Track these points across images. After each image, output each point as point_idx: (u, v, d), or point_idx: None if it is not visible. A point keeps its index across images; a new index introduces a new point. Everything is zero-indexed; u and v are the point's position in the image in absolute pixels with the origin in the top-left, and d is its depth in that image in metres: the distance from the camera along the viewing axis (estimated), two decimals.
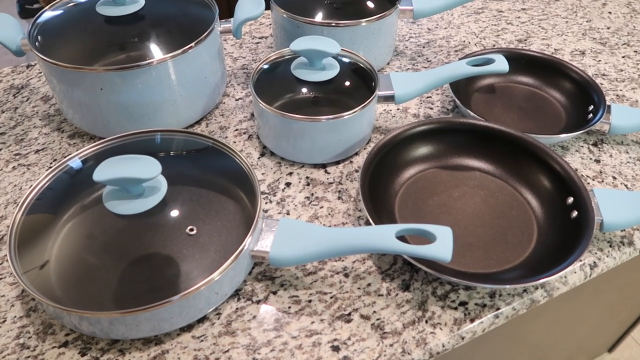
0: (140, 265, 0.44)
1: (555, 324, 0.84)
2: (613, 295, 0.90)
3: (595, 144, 0.64)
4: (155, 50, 0.58)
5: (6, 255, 0.50)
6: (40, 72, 0.74)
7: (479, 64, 0.61)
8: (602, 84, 0.74)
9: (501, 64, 0.60)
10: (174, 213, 0.46)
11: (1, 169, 0.60)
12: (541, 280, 0.45)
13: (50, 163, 0.60)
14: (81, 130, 0.64)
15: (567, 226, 0.51)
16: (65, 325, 0.44)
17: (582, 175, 0.60)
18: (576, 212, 0.51)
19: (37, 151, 0.62)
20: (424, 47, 0.81)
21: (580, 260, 0.51)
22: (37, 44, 0.59)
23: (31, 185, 0.57)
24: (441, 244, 0.42)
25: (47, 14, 0.63)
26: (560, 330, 0.90)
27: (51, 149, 0.62)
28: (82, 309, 0.41)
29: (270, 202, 0.56)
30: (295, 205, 0.56)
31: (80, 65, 0.56)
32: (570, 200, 0.53)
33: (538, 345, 0.89)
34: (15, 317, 0.46)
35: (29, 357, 0.43)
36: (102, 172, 0.44)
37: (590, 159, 0.62)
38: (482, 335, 0.48)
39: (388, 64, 0.77)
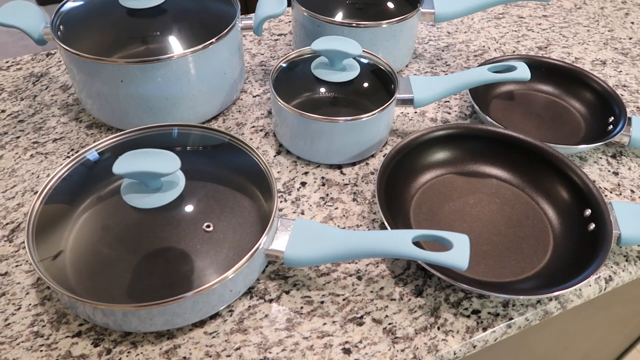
0: (155, 260, 0.44)
1: (563, 334, 0.83)
2: (622, 308, 0.89)
3: (614, 156, 0.63)
4: (176, 45, 0.58)
5: (24, 242, 0.50)
6: (60, 61, 0.75)
7: (500, 71, 0.61)
8: (622, 95, 0.73)
9: (523, 71, 0.60)
10: (191, 209, 0.47)
11: (19, 157, 0.60)
12: (556, 293, 0.45)
13: (68, 152, 0.61)
14: (99, 120, 0.65)
15: (584, 238, 0.51)
16: (79, 315, 0.45)
17: (599, 187, 0.60)
18: (593, 225, 0.51)
19: (55, 140, 0.62)
20: (443, 51, 0.80)
21: (596, 274, 0.51)
22: (59, 33, 0.59)
23: (48, 174, 0.58)
24: (458, 252, 0.42)
25: (70, 4, 0.63)
26: (568, 341, 0.89)
27: (69, 139, 0.63)
28: (96, 300, 0.41)
29: (285, 200, 0.56)
30: (310, 205, 0.56)
31: (102, 57, 0.56)
32: (588, 212, 0.52)
33: (545, 355, 0.89)
34: (30, 304, 0.46)
35: (42, 345, 0.43)
36: (122, 165, 0.44)
37: (609, 171, 0.62)
38: (484, 347, 0.47)
39: (407, 66, 0.76)
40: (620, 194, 0.59)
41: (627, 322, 1.03)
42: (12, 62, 0.74)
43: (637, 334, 1.18)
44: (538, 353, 0.86)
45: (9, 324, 0.45)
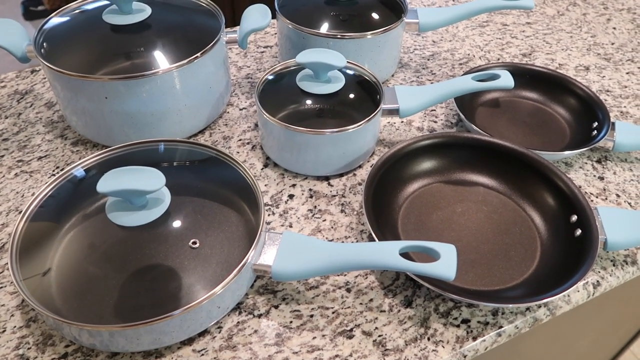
0: (142, 278, 0.43)
1: (556, 339, 0.83)
2: (614, 311, 0.90)
3: (599, 161, 0.64)
4: (161, 60, 0.58)
5: (7, 263, 0.50)
6: (45, 78, 0.74)
7: (485, 79, 0.61)
8: (606, 100, 0.74)
9: (506, 80, 0.60)
10: (177, 225, 0.46)
11: (3, 176, 0.60)
12: (544, 300, 0.45)
13: (53, 170, 0.60)
14: (84, 137, 0.64)
15: (571, 244, 0.51)
16: (65, 336, 0.44)
17: (585, 192, 0.60)
18: (580, 231, 0.51)
19: (39, 158, 0.62)
20: (428, 60, 0.81)
21: (584, 280, 0.51)
22: (42, 50, 0.59)
23: (33, 193, 0.57)
24: (445, 262, 0.42)
25: (53, 21, 0.63)
26: (561, 346, 0.90)
27: (54, 156, 0.62)
28: (83, 320, 0.40)
29: (273, 214, 0.56)
30: (298, 218, 0.56)
31: (86, 74, 0.56)
32: (574, 218, 0.52)
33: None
34: (15, 327, 0.45)
35: None
36: (106, 184, 0.44)
37: (594, 176, 0.62)
38: (475, 357, 0.47)
39: (392, 76, 0.77)
40: (606, 199, 0.59)
41: (620, 325, 1.04)
42: None
43: (630, 335, 1.19)
44: (531, 358, 0.86)
45: None
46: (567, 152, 0.60)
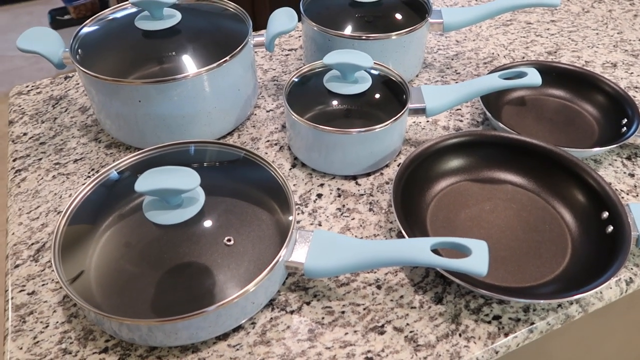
0: (178, 275, 0.45)
1: (582, 340, 0.82)
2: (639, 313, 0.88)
3: (629, 158, 0.63)
4: (191, 64, 0.60)
5: (49, 262, 0.52)
6: (78, 84, 0.77)
7: (511, 77, 0.61)
8: (634, 96, 0.73)
9: (534, 77, 0.60)
10: (212, 223, 0.47)
11: (42, 178, 0.62)
12: (577, 296, 0.45)
13: (89, 172, 0.62)
14: (118, 140, 0.66)
15: (602, 241, 0.51)
16: (105, 331, 0.46)
17: (616, 189, 0.60)
18: (612, 227, 0.51)
19: (75, 160, 0.64)
20: (452, 60, 0.81)
21: (616, 276, 0.50)
22: (77, 57, 0.61)
23: (71, 194, 0.59)
24: (477, 258, 0.42)
25: (88, 28, 0.65)
26: (588, 346, 0.88)
27: (89, 159, 0.64)
28: (122, 316, 0.42)
29: (302, 213, 0.57)
30: (327, 217, 0.56)
31: (119, 78, 0.58)
32: (605, 214, 0.52)
33: None
34: (57, 322, 0.47)
35: None
36: (144, 183, 0.45)
37: (624, 172, 0.61)
38: (507, 353, 0.47)
39: (417, 76, 0.77)
40: (637, 195, 0.59)
41: None
42: (32, 86, 0.77)
43: None
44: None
45: (37, 342, 0.46)
46: (596, 149, 0.60)
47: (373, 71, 0.63)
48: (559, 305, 0.48)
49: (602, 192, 0.53)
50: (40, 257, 0.53)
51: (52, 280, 0.51)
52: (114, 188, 0.53)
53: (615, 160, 0.63)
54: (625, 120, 0.65)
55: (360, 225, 0.55)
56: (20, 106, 0.73)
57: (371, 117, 0.59)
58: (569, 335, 0.75)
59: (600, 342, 0.91)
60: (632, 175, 0.61)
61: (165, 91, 0.58)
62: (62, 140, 0.67)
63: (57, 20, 2.48)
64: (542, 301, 0.47)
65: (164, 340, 0.44)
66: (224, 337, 0.46)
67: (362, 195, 0.59)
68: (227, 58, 0.60)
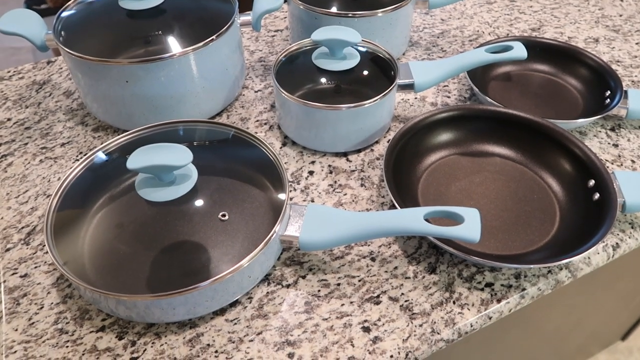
0: (173, 251, 0.45)
1: (571, 310, 0.84)
2: (627, 282, 0.90)
3: (612, 129, 0.65)
4: (178, 43, 0.59)
5: (41, 244, 0.51)
6: (62, 68, 0.75)
7: (497, 51, 0.62)
8: (617, 70, 0.74)
9: (519, 50, 0.61)
10: (205, 200, 0.47)
11: (29, 162, 0.61)
12: (565, 261, 0.46)
13: (77, 156, 0.62)
14: (105, 123, 0.65)
15: (589, 208, 0.52)
16: (101, 310, 0.46)
17: (600, 159, 0.61)
18: (598, 195, 0.52)
19: (62, 144, 0.63)
20: (438, 38, 0.81)
21: (603, 242, 0.52)
22: (61, 38, 0.60)
23: (59, 177, 0.59)
24: (469, 225, 0.43)
25: (71, 9, 0.64)
26: (575, 318, 0.91)
27: (76, 142, 0.63)
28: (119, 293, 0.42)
29: (295, 190, 0.57)
30: (319, 193, 0.57)
31: (106, 58, 0.57)
32: (592, 183, 0.53)
33: (553, 333, 0.90)
34: (52, 303, 0.47)
35: (68, 341, 0.44)
36: (136, 160, 0.45)
37: (609, 143, 0.63)
38: (500, 320, 0.48)
39: (404, 54, 0.77)
40: (622, 165, 0.60)
41: (634, 296, 1.05)
42: (14, 71, 0.75)
43: None
44: (547, 332, 0.88)
45: (33, 323, 0.45)
46: (580, 120, 0.61)
47: (361, 48, 0.63)
48: (549, 271, 0.49)
49: (588, 161, 0.54)
50: (31, 240, 0.52)
51: (45, 262, 0.50)
52: (104, 169, 0.52)
53: (600, 131, 0.64)
54: (609, 92, 0.66)
55: (353, 201, 0.56)
56: (2, 91, 0.72)
57: (360, 94, 0.59)
58: (557, 307, 0.76)
59: (587, 314, 0.93)
60: (615, 146, 0.62)
61: (153, 71, 0.58)
62: (47, 124, 0.66)
63: (33, 10, 2.43)
64: (532, 266, 0.48)
65: (161, 317, 0.44)
66: (222, 312, 0.46)
67: (354, 171, 0.59)
68: (213, 37, 0.60)
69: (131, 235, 0.46)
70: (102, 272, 0.44)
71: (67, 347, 0.44)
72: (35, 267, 0.50)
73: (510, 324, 0.67)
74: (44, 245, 0.51)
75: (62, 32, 0.61)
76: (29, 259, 0.51)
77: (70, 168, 0.54)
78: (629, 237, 0.52)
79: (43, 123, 0.66)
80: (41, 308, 0.47)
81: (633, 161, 0.60)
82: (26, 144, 0.63)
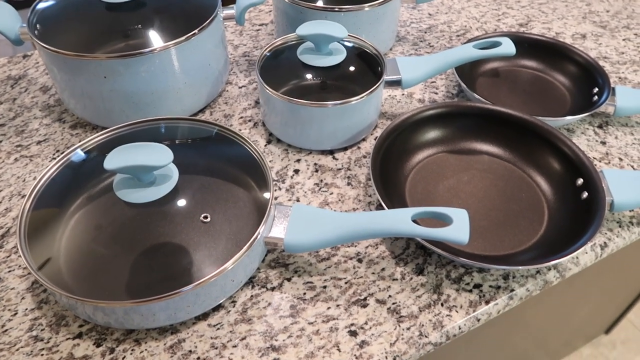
0: (153, 255, 0.43)
1: (558, 307, 0.85)
2: (612, 278, 0.91)
3: (600, 126, 0.64)
4: (159, 38, 0.57)
5: (15, 247, 0.49)
6: (38, 62, 0.73)
7: (486, 47, 0.61)
8: (604, 66, 0.74)
9: (508, 46, 0.60)
10: (187, 201, 0.46)
11: (3, 161, 0.59)
12: (554, 262, 0.46)
13: (53, 154, 0.59)
14: (83, 120, 0.63)
15: (578, 207, 0.52)
16: (78, 316, 0.44)
17: (589, 157, 0.60)
18: (586, 193, 0.51)
19: (39, 142, 0.61)
20: (425, 33, 0.80)
21: (592, 241, 0.51)
22: (36, 32, 0.58)
23: (35, 177, 0.56)
24: (458, 226, 0.42)
25: (46, 1, 0.61)
26: (562, 314, 0.91)
27: (53, 140, 0.61)
28: (96, 299, 0.40)
29: (280, 189, 0.56)
30: (305, 192, 0.55)
31: (83, 53, 0.55)
32: (580, 181, 0.53)
33: (540, 329, 0.90)
34: (26, 309, 0.45)
35: (43, 349, 0.42)
36: (114, 160, 0.43)
37: (596, 140, 0.62)
38: (488, 320, 0.48)
39: (391, 49, 0.76)
40: (609, 163, 0.60)
41: (618, 292, 1.05)
42: None
43: (627, 303, 1.21)
44: (533, 328, 0.88)
45: (6, 330, 0.44)
46: (568, 118, 0.60)
47: (347, 43, 0.61)
48: (538, 272, 0.49)
49: (577, 160, 0.54)
50: (5, 242, 0.50)
51: (19, 266, 0.48)
52: (82, 168, 0.50)
53: (588, 129, 0.64)
54: (597, 89, 0.65)
55: (339, 200, 0.55)
56: None
57: (347, 90, 0.57)
58: (544, 304, 0.76)
59: (571, 311, 0.94)
60: (603, 143, 0.62)
61: (132, 66, 0.56)
62: (23, 121, 0.64)
63: (6, 2, 2.37)
64: (520, 267, 0.47)
65: (141, 323, 0.42)
66: (204, 316, 0.45)
67: (340, 169, 0.58)
68: (196, 31, 0.58)
69: (109, 237, 0.44)
70: (79, 276, 0.42)
71: (43, 355, 0.42)
72: (9, 271, 0.48)
73: (497, 321, 0.67)
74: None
75: (37, 25, 0.59)
76: (3, 262, 0.49)
77: (47, 167, 0.52)
78: (617, 236, 0.52)
79: (18, 120, 0.64)
80: (15, 314, 0.45)
81: (620, 159, 0.60)
82: (0, 141, 0.61)
